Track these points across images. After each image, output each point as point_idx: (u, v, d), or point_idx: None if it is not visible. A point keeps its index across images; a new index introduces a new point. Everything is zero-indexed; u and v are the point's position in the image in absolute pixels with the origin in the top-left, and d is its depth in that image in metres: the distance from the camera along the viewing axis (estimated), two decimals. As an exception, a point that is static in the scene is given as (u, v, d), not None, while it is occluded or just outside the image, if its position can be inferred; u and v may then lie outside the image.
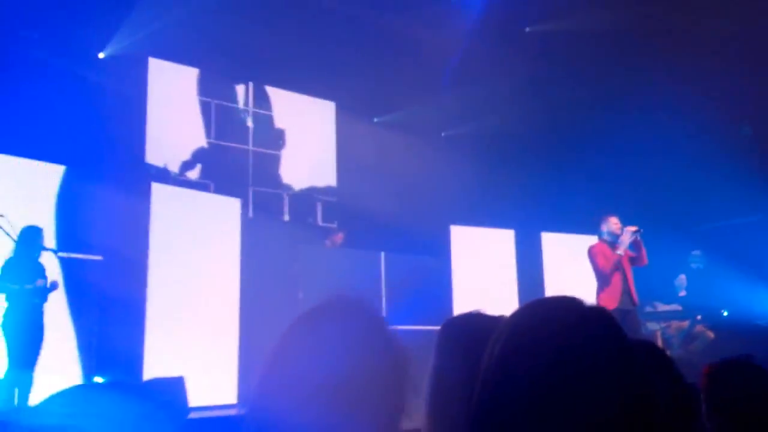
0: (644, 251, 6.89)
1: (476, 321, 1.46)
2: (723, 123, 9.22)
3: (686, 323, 8.10)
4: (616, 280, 6.75)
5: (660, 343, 8.04)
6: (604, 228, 6.94)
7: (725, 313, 8.34)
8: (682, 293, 8.72)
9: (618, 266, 6.78)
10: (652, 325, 8.27)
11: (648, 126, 8.74)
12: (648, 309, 8.30)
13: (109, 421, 1.34)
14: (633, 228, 6.84)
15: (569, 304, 1.03)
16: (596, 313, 1.02)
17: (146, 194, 6.54)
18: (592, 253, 6.91)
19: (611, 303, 6.75)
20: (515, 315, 1.05)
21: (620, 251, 6.71)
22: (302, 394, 1.12)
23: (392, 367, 1.18)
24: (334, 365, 1.14)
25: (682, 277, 8.80)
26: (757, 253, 8.64)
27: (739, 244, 8.90)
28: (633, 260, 6.88)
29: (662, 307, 8.44)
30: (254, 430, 1.15)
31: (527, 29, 8.16)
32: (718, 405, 2.05)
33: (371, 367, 1.16)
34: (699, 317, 8.08)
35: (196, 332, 6.61)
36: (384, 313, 1.29)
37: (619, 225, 6.88)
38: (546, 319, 1.01)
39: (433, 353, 1.50)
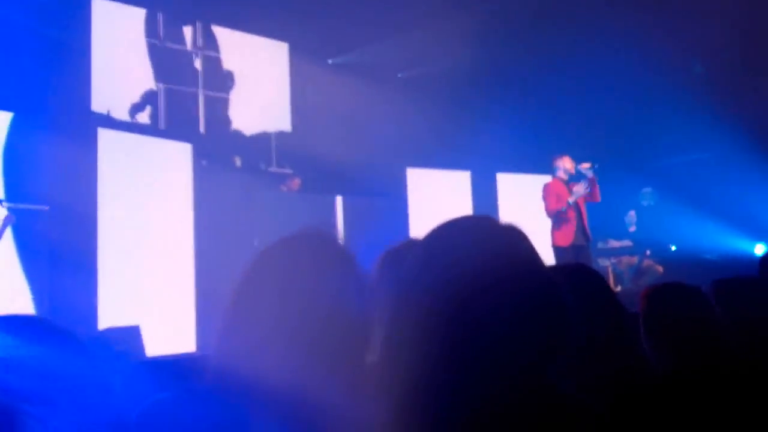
0: (597, 188, 7.03)
1: (409, 247, 1.46)
2: (674, 60, 9.30)
3: (636, 258, 8.34)
4: (571, 216, 6.90)
5: (611, 278, 8.29)
6: (560, 165, 7.04)
7: (673, 248, 8.60)
8: (632, 229, 8.96)
9: (572, 204, 6.91)
10: (604, 261, 8.50)
11: (600, 65, 8.76)
12: (600, 245, 8.51)
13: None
14: (587, 165, 6.96)
15: (482, 222, 1.04)
16: (509, 230, 1.04)
17: (93, 140, 6.34)
18: (546, 191, 7.02)
19: (565, 240, 6.91)
20: (430, 234, 1.05)
21: (571, 200, 6.84)
22: (269, 329, 1.09)
23: (359, 298, 1.17)
24: (302, 298, 1.11)
25: (632, 213, 9.01)
26: (706, 190, 8.87)
27: (688, 180, 9.11)
28: (586, 197, 7.02)
29: (613, 243, 8.67)
30: (218, 372, 1.12)
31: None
32: (653, 326, 2.11)
33: (339, 298, 1.13)
34: (648, 252, 8.32)
35: (150, 281, 6.53)
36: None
37: (573, 163, 6.99)
38: (459, 237, 1.03)
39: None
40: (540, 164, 7.73)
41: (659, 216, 8.81)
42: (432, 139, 8.86)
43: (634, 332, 2.02)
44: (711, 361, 1.98)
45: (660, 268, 8.20)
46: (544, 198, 7.02)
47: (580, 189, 6.91)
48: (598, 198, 7.07)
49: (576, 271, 1.89)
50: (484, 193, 9.49)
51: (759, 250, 8.26)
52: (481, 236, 1.04)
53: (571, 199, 6.87)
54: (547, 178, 7.19)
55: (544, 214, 7.05)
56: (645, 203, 9.11)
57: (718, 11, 7.93)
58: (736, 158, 8.64)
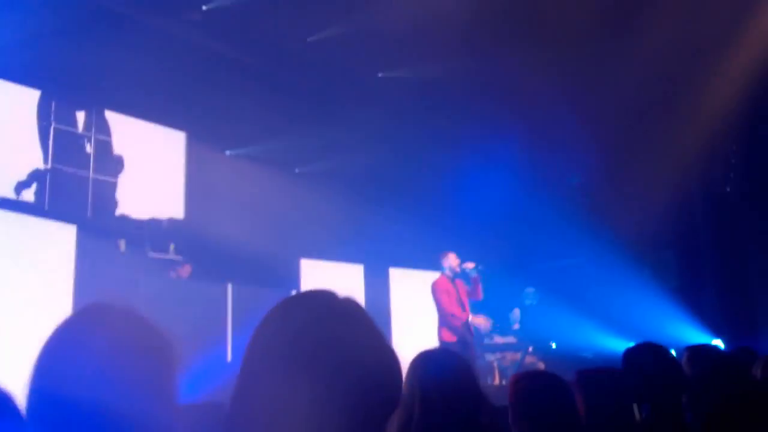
0: (480, 287, 7.33)
1: None
2: (555, 173, 10.09)
3: (519, 354, 8.63)
4: (458, 314, 7.11)
5: (496, 373, 8.51)
6: (445, 263, 7.31)
7: (554, 345, 8.98)
8: (516, 326, 9.32)
9: (458, 302, 7.15)
10: (489, 356, 8.73)
11: (489, 175, 9.39)
12: (486, 341, 8.76)
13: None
14: (471, 264, 7.27)
15: (322, 295, 1.15)
16: (347, 302, 1.16)
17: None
18: (436, 289, 7.22)
19: (452, 336, 7.09)
20: (273, 309, 1.16)
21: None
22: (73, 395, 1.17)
23: (163, 364, 1.27)
24: (104, 371, 1.19)
25: (516, 311, 9.41)
26: (583, 291, 9.40)
27: (568, 282, 9.64)
28: (469, 294, 7.30)
29: (498, 339, 8.95)
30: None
31: (380, 75, 8.51)
32: (519, 412, 2.25)
33: (140, 367, 1.22)
34: (530, 349, 8.64)
35: (22, 365, 6.09)
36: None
37: (458, 260, 7.28)
38: (302, 310, 1.14)
39: None
40: (430, 261, 8.00)
41: (541, 314, 9.23)
42: (327, 232, 9.02)
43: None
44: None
45: (542, 365, 8.50)
46: (435, 296, 7.21)
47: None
48: (480, 296, 7.38)
49: (441, 356, 2.01)
50: (377, 286, 9.64)
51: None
52: (322, 309, 1.14)
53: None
54: (435, 275, 7.44)
55: (433, 308, 7.24)
56: (528, 302, 9.55)
57: (594, 133, 8.75)
58: (609, 262, 9.24)
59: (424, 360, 2.09)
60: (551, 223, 9.55)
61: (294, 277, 8.75)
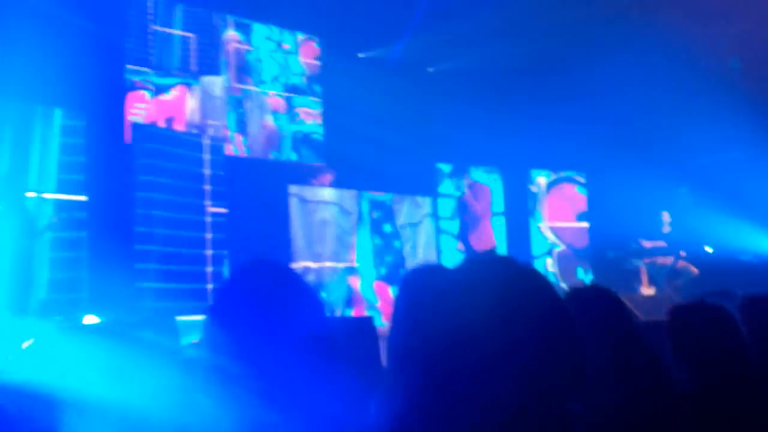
0: None
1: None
2: (710, 56, 9.11)
3: (670, 259, 8.22)
4: None
5: (644, 277, 8.18)
6: None
7: (710, 250, 8.45)
8: (666, 229, 8.82)
9: None
10: (637, 261, 8.40)
11: (634, 61, 8.63)
12: (633, 245, 8.41)
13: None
14: None
15: (503, 262, 1.10)
16: (529, 270, 1.11)
17: None
18: None
19: None
20: (454, 270, 1.15)
21: None
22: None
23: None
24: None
25: (666, 213, 8.88)
26: (741, 190, 8.68)
27: (724, 180, 8.93)
28: None
29: (646, 244, 8.55)
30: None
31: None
32: (679, 345, 2.11)
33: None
34: (683, 253, 8.19)
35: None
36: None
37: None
38: (483, 277, 1.09)
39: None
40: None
41: (693, 216, 8.66)
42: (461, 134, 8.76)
43: (659, 348, 2.01)
44: (736, 380, 1.96)
45: (695, 269, 8.08)
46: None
47: None
48: None
49: (592, 296, 1.91)
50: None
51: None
52: (502, 274, 1.11)
53: None
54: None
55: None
56: (679, 202, 8.97)
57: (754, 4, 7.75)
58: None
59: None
60: (707, 114, 8.77)
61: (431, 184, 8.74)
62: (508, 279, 1.10)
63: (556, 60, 8.84)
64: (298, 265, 7.22)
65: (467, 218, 6.45)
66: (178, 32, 7.18)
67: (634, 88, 8.89)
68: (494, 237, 6.46)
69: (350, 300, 7.58)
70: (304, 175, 7.93)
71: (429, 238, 8.27)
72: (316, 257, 7.53)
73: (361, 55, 8.83)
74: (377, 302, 7.75)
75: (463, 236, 6.52)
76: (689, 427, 1.82)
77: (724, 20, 8.00)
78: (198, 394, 1.27)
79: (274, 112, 7.77)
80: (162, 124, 6.86)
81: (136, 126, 6.57)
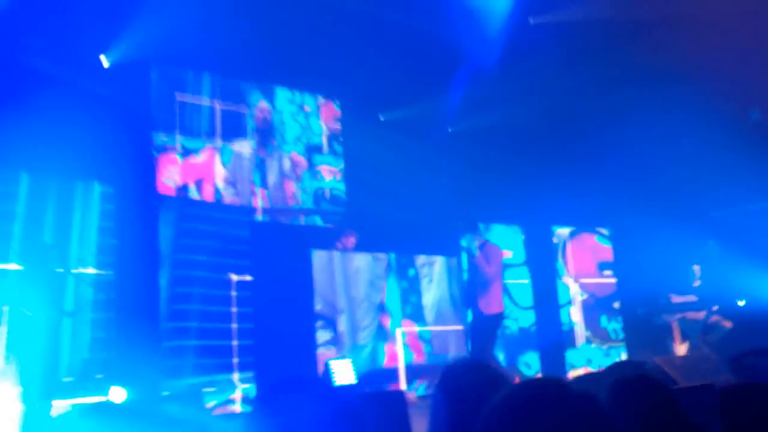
0: None
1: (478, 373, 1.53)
2: (731, 108, 9.12)
3: (702, 314, 8.04)
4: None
5: (677, 334, 7.99)
6: None
7: (741, 303, 8.26)
8: (697, 283, 8.65)
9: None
10: (668, 317, 8.21)
11: (656, 116, 8.64)
12: (663, 301, 8.25)
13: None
14: None
15: (556, 386, 1.08)
16: (581, 396, 1.08)
17: None
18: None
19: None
20: (507, 396, 1.10)
21: None
22: None
23: None
24: None
25: (696, 267, 8.72)
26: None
27: (752, 230, 8.81)
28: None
29: (677, 299, 8.38)
30: None
31: (531, 21, 8.06)
32: (732, 428, 2.02)
33: None
34: (715, 308, 8.01)
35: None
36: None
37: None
38: (534, 401, 1.07)
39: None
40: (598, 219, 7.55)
41: (723, 269, 8.50)
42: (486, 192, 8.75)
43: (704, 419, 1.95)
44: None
45: (728, 323, 7.88)
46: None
47: None
48: None
49: (643, 390, 1.88)
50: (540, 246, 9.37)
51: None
52: (553, 403, 1.08)
53: None
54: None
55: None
56: (708, 256, 8.82)
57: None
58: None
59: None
60: (730, 165, 8.72)
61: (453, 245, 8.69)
62: (564, 407, 1.06)
63: (577, 118, 8.90)
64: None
65: (477, 281, 6.41)
66: (206, 100, 7.35)
67: (656, 143, 8.90)
68: (503, 300, 6.38)
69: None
70: (330, 239, 7.92)
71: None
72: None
73: (381, 117, 8.93)
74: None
75: (471, 298, 6.46)
76: None
77: (743, 73, 8.03)
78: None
79: (296, 169, 7.88)
80: (192, 185, 6.97)
81: (162, 198, 6.69)
